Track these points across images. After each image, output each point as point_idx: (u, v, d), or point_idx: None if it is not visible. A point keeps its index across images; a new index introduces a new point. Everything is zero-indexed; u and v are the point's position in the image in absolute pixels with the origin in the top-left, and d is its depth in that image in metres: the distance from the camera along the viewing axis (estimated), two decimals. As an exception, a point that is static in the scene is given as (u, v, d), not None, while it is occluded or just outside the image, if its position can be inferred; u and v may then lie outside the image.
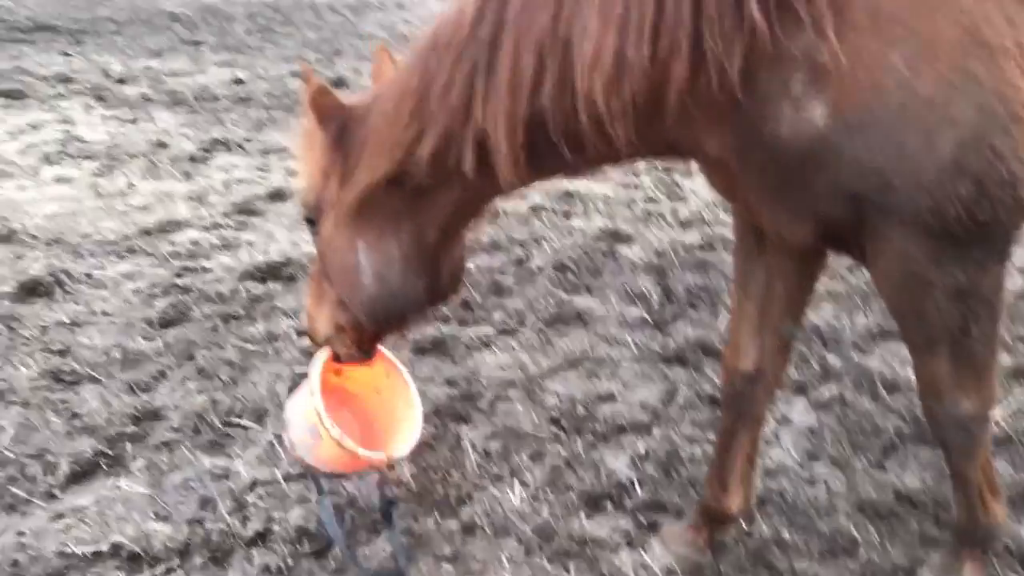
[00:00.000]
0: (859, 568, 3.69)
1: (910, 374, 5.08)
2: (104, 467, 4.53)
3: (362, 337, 3.64)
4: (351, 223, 3.22)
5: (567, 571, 3.71)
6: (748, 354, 3.40)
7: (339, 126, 3.15)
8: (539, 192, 8.96)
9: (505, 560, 3.78)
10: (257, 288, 6.70)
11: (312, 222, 3.43)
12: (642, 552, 3.77)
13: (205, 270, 7.10)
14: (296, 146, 3.55)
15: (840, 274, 6.60)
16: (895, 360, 5.40)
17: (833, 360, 5.45)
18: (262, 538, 3.95)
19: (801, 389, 5.16)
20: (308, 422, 3.86)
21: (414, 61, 2.98)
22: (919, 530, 3.90)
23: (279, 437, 4.70)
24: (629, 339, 5.74)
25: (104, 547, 3.90)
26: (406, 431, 4.03)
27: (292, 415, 3.96)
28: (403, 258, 3.26)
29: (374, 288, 3.31)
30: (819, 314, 6.02)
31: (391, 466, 3.87)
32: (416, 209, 3.20)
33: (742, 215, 3.33)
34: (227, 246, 7.64)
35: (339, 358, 3.81)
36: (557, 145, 2.80)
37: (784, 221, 2.83)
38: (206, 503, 4.21)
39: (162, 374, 5.43)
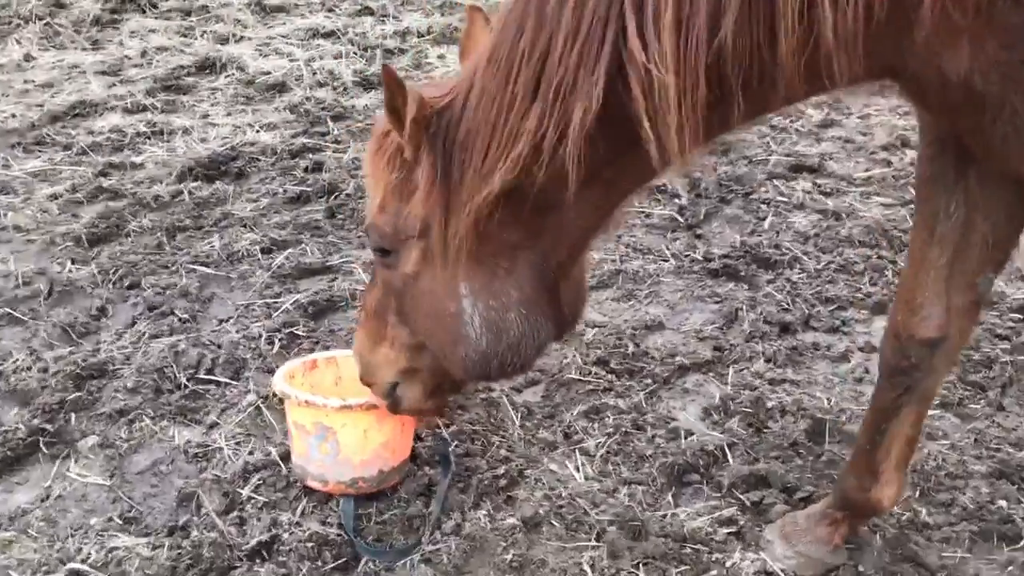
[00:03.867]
0: (1024, 558, 3.01)
1: (1004, 285, 4.36)
2: (44, 448, 3.54)
3: (440, 387, 2.87)
4: (453, 260, 2.38)
5: (670, 581, 2.94)
6: (931, 316, 2.56)
7: (428, 132, 2.30)
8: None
9: (587, 568, 2.98)
10: (203, 189, 5.58)
11: (385, 252, 2.58)
12: (759, 553, 3.01)
13: (135, 166, 5.92)
14: (365, 157, 2.61)
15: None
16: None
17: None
18: (268, 549, 3.05)
19: (881, 307, 4.39)
20: (307, 433, 3.18)
21: (518, 14, 2.06)
22: (1081, 501, 3.23)
23: (265, 398, 3.77)
24: (664, 247, 4.86)
25: (58, 574, 2.97)
26: None
27: (296, 455, 3.31)
28: (524, 300, 2.47)
29: (485, 342, 2.52)
30: (883, 211, 5.22)
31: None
32: (539, 230, 2.39)
33: (936, 133, 2.43)
34: (157, 133, 6.42)
35: (396, 408, 2.97)
36: (733, 95, 1.97)
37: None
38: (186, 500, 3.28)
39: (102, 311, 4.38)
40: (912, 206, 5.10)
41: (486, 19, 2.61)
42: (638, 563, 2.99)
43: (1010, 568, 2.98)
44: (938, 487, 3.28)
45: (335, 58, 7.87)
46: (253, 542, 3.05)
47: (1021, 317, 4.23)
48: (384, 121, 2.43)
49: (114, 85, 7.36)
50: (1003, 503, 3.18)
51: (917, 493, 3.26)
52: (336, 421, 3.12)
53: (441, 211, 2.30)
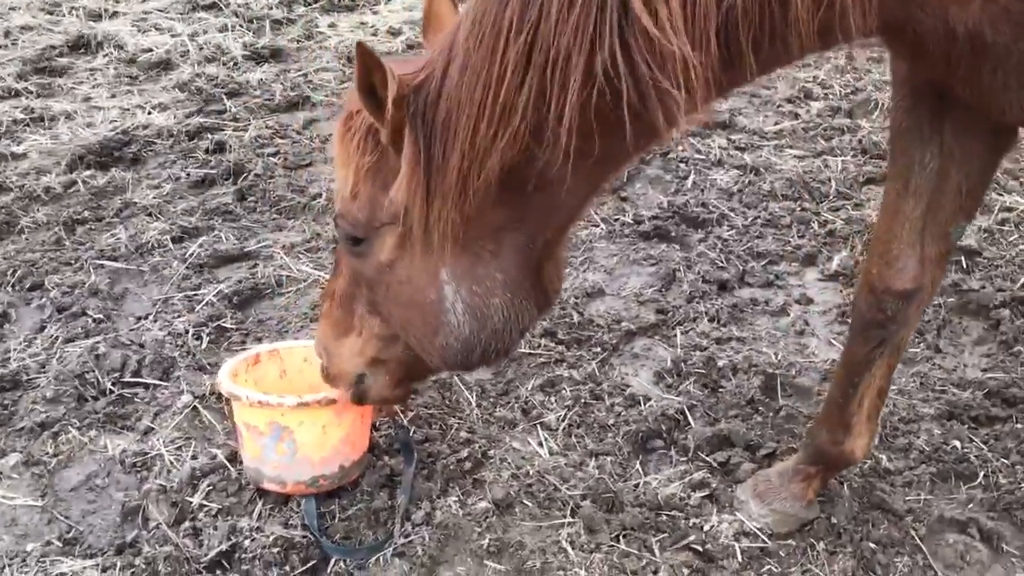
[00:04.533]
0: (985, 495, 3.09)
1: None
2: (-40, 472, 3.25)
3: (408, 376, 2.74)
4: (437, 246, 2.24)
5: (651, 551, 2.90)
6: (906, 268, 2.57)
7: (408, 111, 2.11)
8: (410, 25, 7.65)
9: (567, 545, 2.92)
10: (98, 178, 5.22)
11: (356, 240, 2.41)
12: (735, 514, 3.00)
13: (17, 156, 5.49)
14: (333, 141, 2.43)
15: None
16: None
17: (831, 217, 4.76)
18: (228, 559, 2.88)
19: (810, 259, 4.46)
20: (260, 434, 3.00)
21: None
22: (1028, 436, 3.35)
23: (201, 397, 3.55)
24: (593, 212, 4.79)
25: (0, 607, 2.73)
26: None
27: (249, 458, 3.09)
28: (509, 283, 2.34)
29: (468, 329, 2.38)
30: (798, 163, 5.29)
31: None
32: (527, 209, 2.25)
33: (913, 84, 2.42)
34: (37, 120, 5.97)
35: (362, 400, 2.82)
36: (743, 56, 1.89)
37: None
38: (131, 514, 3.06)
39: (4, 317, 4.04)
40: (825, 157, 5.22)
41: None
42: (617, 535, 2.95)
43: (971, 505, 3.06)
44: (894, 433, 3.36)
45: (220, 31, 7.47)
46: (212, 552, 2.86)
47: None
48: (351, 101, 2.26)
49: (-21, 70, 6.81)
50: (956, 443, 3.27)
51: (876, 440, 3.31)
52: (292, 420, 2.95)
53: (423, 195, 2.15)
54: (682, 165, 5.29)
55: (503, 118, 1.97)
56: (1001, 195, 4.87)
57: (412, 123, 2.11)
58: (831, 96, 6.24)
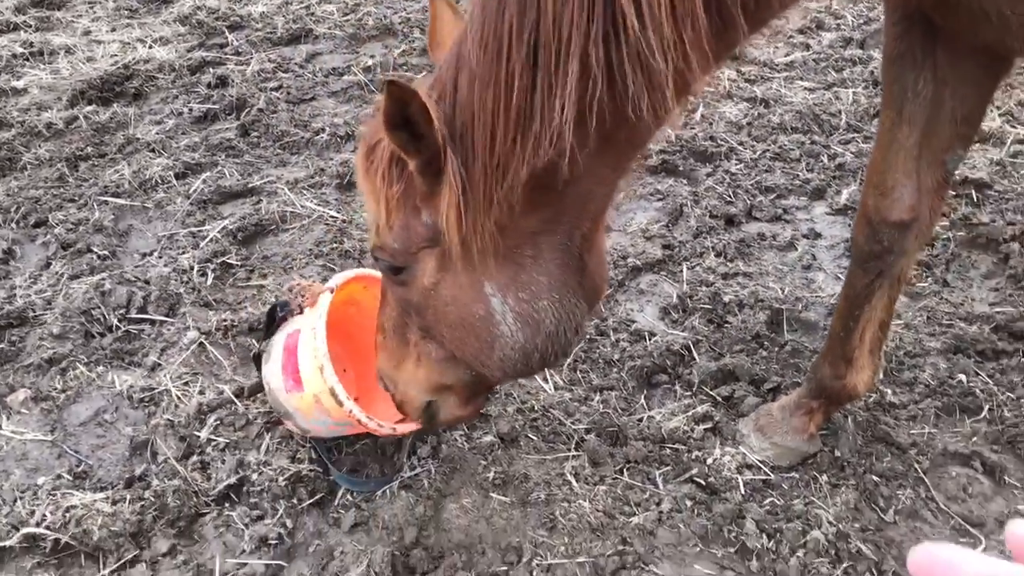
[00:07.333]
0: (989, 428, 3.09)
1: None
2: (-30, 407, 3.28)
3: (476, 391, 2.62)
4: (477, 261, 2.15)
5: (654, 484, 2.92)
6: (902, 198, 2.53)
7: (434, 136, 1.97)
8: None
9: (571, 477, 2.94)
10: (100, 113, 5.17)
11: (396, 269, 2.31)
12: (738, 447, 3.02)
13: (18, 92, 5.44)
14: (358, 176, 2.29)
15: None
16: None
17: (840, 150, 4.69)
18: (236, 492, 2.92)
19: (818, 192, 4.41)
20: (328, 416, 2.84)
21: None
22: (1035, 370, 3.34)
23: (207, 333, 3.56)
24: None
25: (11, 540, 2.76)
26: None
27: (298, 412, 2.89)
28: (554, 284, 2.25)
29: (523, 336, 2.30)
30: (808, 95, 5.20)
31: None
32: (559, 209, 2.14)
33: (904, 11, 2.36)
34: (36, 55, 5.90)
35: (434, 423, 2.70)
36: (734, 19, 1.81)
37: None
38: (139, 448, 3.09)
39: (9, 254, 4.04)
40: (836, 89, 5.13)
41: (452, 7, 2.38)
42: (621, 468, 2.97)
43: (974, 439, 3.07)
44: (899, 367, 3.35)
45: (221, -38, 7.33)
46: (221, 486, 2.90)
47: (955, 194, 4.31)
48: (369, 134, 2.17)
49: (-23, 3, 6.72)
50: (962, 377, 3.27)
51: (881, 374, 3.31)
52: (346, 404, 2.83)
53: (457, 212, 2.06)
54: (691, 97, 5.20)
55: (519, 123, 1.88)
56: (1014, 127, 4.79)
57: (451, 144, 1.99)
58: (843, 27, 6.12)
